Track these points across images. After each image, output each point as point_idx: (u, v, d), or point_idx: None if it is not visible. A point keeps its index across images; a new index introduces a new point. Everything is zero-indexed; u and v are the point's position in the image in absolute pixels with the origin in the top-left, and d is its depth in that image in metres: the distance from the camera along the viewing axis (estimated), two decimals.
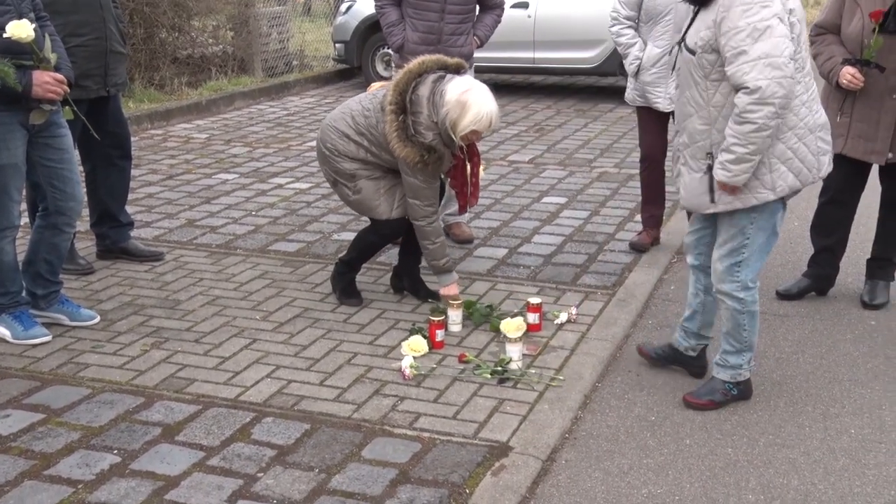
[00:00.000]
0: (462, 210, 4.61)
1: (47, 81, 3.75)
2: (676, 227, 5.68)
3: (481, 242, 5.43)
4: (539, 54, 10.10)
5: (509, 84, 11.35)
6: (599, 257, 5.18)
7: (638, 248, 5.26)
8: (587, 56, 9.93)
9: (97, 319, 4.22)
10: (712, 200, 3.39)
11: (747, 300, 3.50)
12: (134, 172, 6.76)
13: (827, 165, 3.48)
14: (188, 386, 3.65)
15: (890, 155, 4.31)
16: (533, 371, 3.79)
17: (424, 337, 3.98)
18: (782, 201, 3.43)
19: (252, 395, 3.59)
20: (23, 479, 3.00)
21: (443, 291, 4.40)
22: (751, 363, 3.64)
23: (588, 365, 3.89)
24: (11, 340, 3.98)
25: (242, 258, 5.15)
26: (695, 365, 3.85)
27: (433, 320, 4.01)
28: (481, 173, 4.46)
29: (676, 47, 3.50)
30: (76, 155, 4.32)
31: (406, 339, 3.98)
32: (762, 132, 3.18)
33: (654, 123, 5.15)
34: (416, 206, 4.25)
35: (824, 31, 4.40)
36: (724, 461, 3.25)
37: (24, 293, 4.08)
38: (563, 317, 4.29)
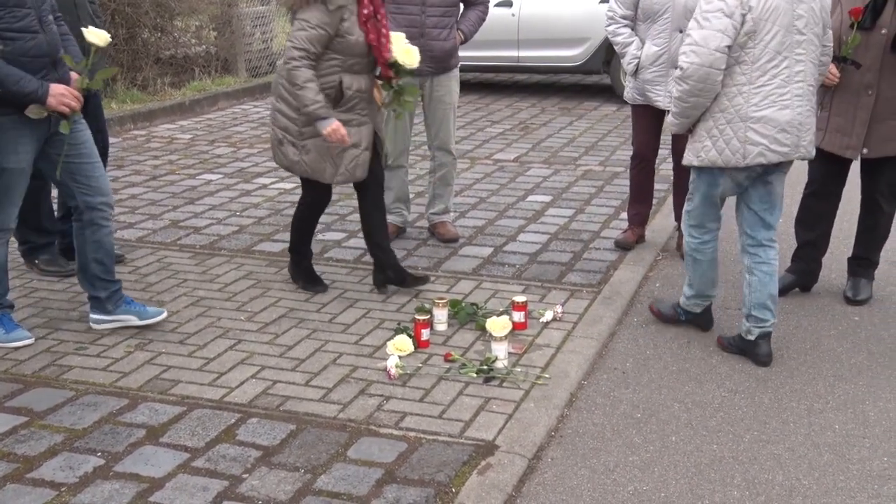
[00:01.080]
0: (384, 69, 4.35)
1: (63, 94, 3.75)
2: (661, 225, 5.70)
3: (466, 241, 5.43)
4: (523, 53, 10.11)
5: (494, 83, 11.36)
6: (585, 255, 5.19)
7: (623, 246, 5.27)
8: (571, 54, 9.94)
9: (164, 314, 4.19)
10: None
11: (690, 244, 4.13)
12: (117, 173, 6.75)
13: (755, 156, 3.75)
14: (172, 387, 3.63)
15: (865, 150, 4.35)
16: (519, 369, 3.79)
17: (410, 336, 3.97)
18: (712, 174, 3.88)
19: (237, 395, 3.58)
20: (5, 483, 2.97)
21: (325, 132, 4.12)
22: (698, 301, 4.21)
23: (574, 363, 3.89)
24: None
25: (227, 259, 5.13)
26: (702, 319, 4.30)
27: (418, 319, 4.00)
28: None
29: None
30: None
31: (391, 338, 3.97)
32: (681, 102, 3.78)
33: (650, 122, 5.14)
34: (288, 48, 4.14)
35: None
36: (709, 457, 3.26)
37: (7, 296, 4.05)
38: (549, 315, 4.29)
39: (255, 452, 3.17)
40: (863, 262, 4.68)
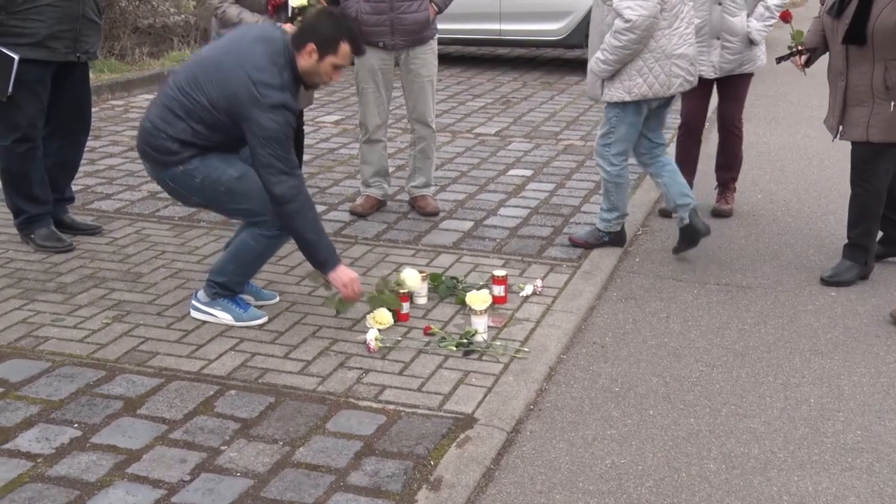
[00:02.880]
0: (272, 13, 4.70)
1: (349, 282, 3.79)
2: (641, 200, 5.71)
3: (447, 215, 5.41)
4: (505, 26, 10.05)
5: (475, 56, 11.30)
6: (565, 230, 5.19)
7: (664, 215, 5.46)
8: (553, 28, 9.89)
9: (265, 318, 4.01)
10: (601, 93, 4.61)
11: (612, 172, 4.70)
12: (95, 144, 6.67)
13: (677, 87, 4.58)
14: (150, 359, 3.61)
15: (841, 128, 4.52)
16: (498, 343, 3.80)
17: (390, 309, 3.96)
18: (639, 105, 4.57)
19: (215, 367, 3.56)
20: None
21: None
22: (619, 220, 4.83)
23: (553, 337, 3.90)
24: (236, 324, 3.88)
25: (206, 231, 5.09)
26: (621, 235, 4.91)
27: (399, 292, 4.00)
28: None
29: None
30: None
31: (371, 311, 3.96)
32: (624, 50, 4.41)
33: (698, 92, 5.12)
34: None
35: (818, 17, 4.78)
36: (686, 431, 3.29)
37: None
38: (529, 289, 4.30)
39: (233, 425, 3.16)
40: (852, 246, 4.66)
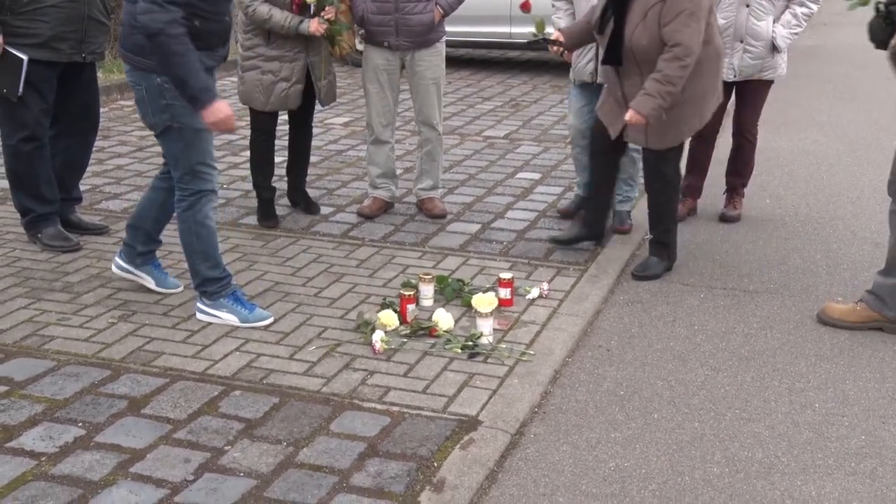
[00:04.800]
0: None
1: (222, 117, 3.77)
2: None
3: (454, 218, 5.41)
4: (516, 29, 10.05)
5: (485, 59, 11.30)
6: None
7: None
8: None
9: (181, 288, 4.22)
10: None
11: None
12: (103, 144, 6.69)
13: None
14: (155, 359, 3.62)
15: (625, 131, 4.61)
16: (503, 346, 3.79)
17: (395, 311, 3.96)
18: None
19: (220, 368, 3.57)
20: None
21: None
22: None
23: (558, 340, 3.89)
24: (240, 325, 3.90)
25: None
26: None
27: (404, 295, 4.00)
28: None
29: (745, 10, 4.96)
30: None
31: (377, 312, 3.96)
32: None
33: None
34: None
35: None
36: (690, 435, 3.28)
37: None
38: (535, 292, 4.29)
39: (237, 425, 3.17)
40: (651, 239, 4.82)
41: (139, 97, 3.88)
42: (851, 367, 3.80)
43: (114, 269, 4.22)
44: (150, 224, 4.16)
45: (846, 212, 5.64)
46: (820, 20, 16.78)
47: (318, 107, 5.29)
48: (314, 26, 4.80)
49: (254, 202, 5.59)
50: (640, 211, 5.50)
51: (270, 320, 3.95)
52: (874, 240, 5.18)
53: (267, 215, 5.21)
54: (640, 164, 4.92)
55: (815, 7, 5.19)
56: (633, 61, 4.34)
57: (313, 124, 5.50)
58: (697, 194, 5.57)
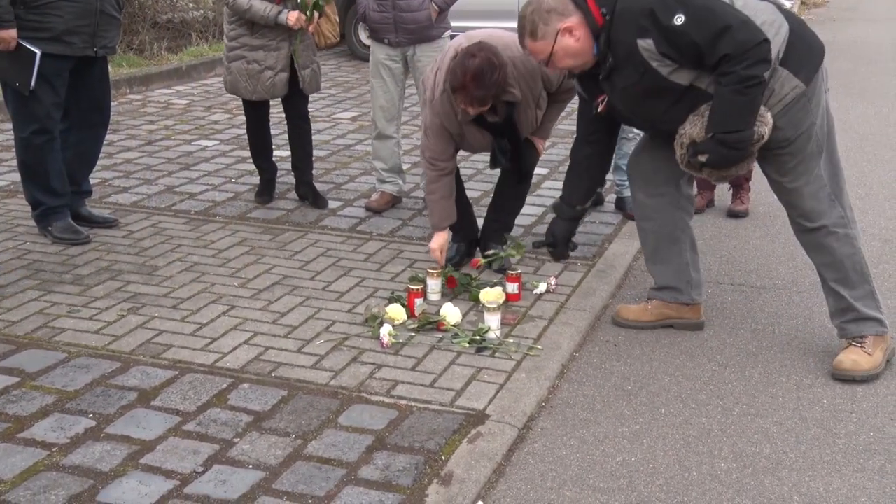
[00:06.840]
0: None
1: None
2: None
3: None
4: None
5: None
6: (579, 228, 5.14)
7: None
8: None
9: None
10: None
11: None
12: (112, 137, 6.71)
13: None
14: (165, 351, 3.64)
15: None
16: (511, 340, 3.80)
17: (403, 305, 3.97)
18: None
19: (229, 361, 3.58)
20: None
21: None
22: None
23: (566, 335, 3.90)
24: None
25: (221, 225, 5.12)
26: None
27: (412, 289, 4.01)
28: None
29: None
30: None
31: (385, 307, 3.98)
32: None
33: None
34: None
35: None
36: (697, 430, 3.28)
37: None
38: (543, 287, 4.30)
39: (246, 417, 3.18)
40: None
41: None
42: None
43: None
44: None
45: (855, 208, 5.61)
46: (829, 16, 16.76)
47: (326, 102, 5.31)
48: (293, 19, 4.91)
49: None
50: None
51: None
52: (883, 236, 5.17)
53: (261, 191, 5.49)
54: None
55: None
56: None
57: (322, 119, 5.53)
58: (712, 186, 5.56)
